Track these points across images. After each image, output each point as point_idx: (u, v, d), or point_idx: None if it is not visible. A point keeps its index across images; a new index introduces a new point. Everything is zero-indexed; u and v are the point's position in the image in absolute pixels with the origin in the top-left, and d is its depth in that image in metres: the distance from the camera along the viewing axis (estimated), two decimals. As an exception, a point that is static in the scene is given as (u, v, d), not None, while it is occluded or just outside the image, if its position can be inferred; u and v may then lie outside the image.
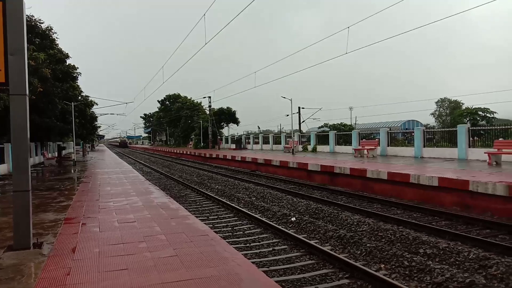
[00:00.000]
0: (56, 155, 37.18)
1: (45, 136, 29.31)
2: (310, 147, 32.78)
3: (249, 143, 46.47)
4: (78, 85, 28.98)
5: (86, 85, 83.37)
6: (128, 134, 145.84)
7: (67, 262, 5.00)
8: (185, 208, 9.99)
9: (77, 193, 11.93)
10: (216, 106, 55.14)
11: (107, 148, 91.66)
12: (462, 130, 18.53)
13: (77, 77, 27.95)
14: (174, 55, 22.72)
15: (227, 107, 56.72)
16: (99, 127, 53.92)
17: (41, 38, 22.87)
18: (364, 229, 8.98)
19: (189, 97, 74.12)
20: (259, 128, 69.94)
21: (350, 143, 27.77)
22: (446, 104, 74.42)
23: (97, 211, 8.78)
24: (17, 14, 5.48)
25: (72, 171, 21.90)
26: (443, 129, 23.95)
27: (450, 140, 20.87)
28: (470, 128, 19.08)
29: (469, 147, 18.42)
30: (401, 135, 27.80)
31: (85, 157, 39.37)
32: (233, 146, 48.64)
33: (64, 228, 7.02)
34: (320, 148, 31.51)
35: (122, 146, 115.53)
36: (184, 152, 48.48)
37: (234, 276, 4.33)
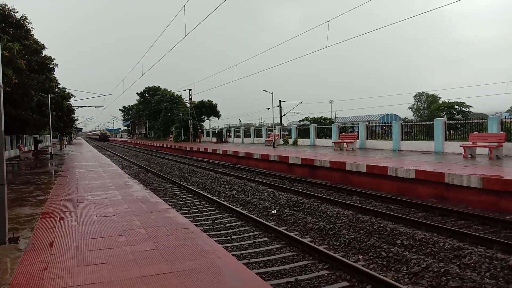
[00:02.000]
0: (33, 149, 36.32)
1: (21, 129, 28.58)
2: (291, 141, 32.95)
3: (230, 136, 46.39)
4: (54, 77, 28.26)
5: (63, 76, 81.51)
6: (106, 127, 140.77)
7: (44, 257, 4.92)
8: (166, 202, 9.93)
9: (54, 187, 11.72)
10: (197, 99, 54.77)
11: (85, 142, 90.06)
12: (439, 124, 18.92)
13: (54, 68, 27.23)
14: (154, 46, 22.40)
15: (208, 100, 56.39)
16: (77, 120, 52.95)
17: (16, 28, 22.16)
18: (343, 221, 9.12)
19: (169, 90, 73.34)
20: (240, 121, 69.89)
21: (330, 137, 28.02)
22: (424, 98, 75.70)
23: (75, 205, 8.65)
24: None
25: (49, 164, 21.47)
26: (420, 123, 24.40)
27: (427, 133, 21.28)
28: (446, 121, 19.50)
29: (446, 140, 18.85)
30: (379, 129, 28.19)
31: (62, 151, 38.62)
32: (214, 139, 48.47)
33: (41, 223, 6.90)
34: (301, 141, 31.70)
35: (102, 139, 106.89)
36: (164, 146, 48.06)
37: (214, 268, 4.35)
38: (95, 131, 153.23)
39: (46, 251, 5.19)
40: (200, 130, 53.06)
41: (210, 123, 62.98)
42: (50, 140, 33.28)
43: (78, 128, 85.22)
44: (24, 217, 7.44)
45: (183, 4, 14.85)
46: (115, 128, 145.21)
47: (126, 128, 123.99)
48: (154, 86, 79.61)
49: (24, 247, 5.35)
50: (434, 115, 38.22)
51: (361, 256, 6.87)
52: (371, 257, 6.74)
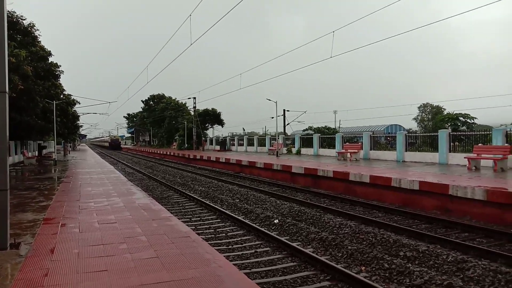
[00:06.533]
0: (37, 154, 36.51)
1: (26, 134, 28.73)
2: (294, 150, 32.90)
3: (233, 144, 46.40)
4: (60, 84, 28.49)
5: (69, 83, 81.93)
6: (111, 134, 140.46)
7: (45, 263, 4.90)
8: (168, 210, 9.91)
9: (57, 193, 11.73)
10: (201, 107, 55.06)
11: (89, 148, 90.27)
12: (443, 135, 18.85)
13: (59, 75, 27.47)
14: (159, 55, 22.55)
15: (212, 108, 56.56)
16: (81, 126, 53.15)
17: (23, 35, 22.42)
18: (346, 231, 9.06)
19: (173, 98, 73.69)
20: (244, 130, 69.85)
21: (333, 146, 27.98)
22: (428, 109, 75.59)
23: (77, 211, 8.64)
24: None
25: (53, 170, 21.52)
26: (424, 134, 24.33)
27: (432, 144, 21.20)
28: (451, 133, 19.44)
29: (450, 151, 18.75)
30: (383, 139, 28.14)
31: (66, 157, 38.72)
32: (218, 147, 48.48)
33: (43, 229, 6.89)
34: (304, 150, 31.66)
35: (113, 147, 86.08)
36: (168, 153, 48.11)
37: (215, 278, 4.32)
38: (100, 137, 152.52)
39: (47, 257, 5.17)
40: (203, 138, 53.15)
41: (214, 131, 63.16)
42: (54, 146, 33.39)
43: (83, 134, 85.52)
44: (26, 223, 7.43)
45: (189, 13, 14.96)
46: (119, 135, 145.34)
47: (130, 135, 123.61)
48: (159, 94, 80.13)
49: (25, 253, 5.34)
50: (439, 126, 38.02)
51: (364, 267, 6.80)
52: (374, 269, 6.68)
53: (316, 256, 7.09)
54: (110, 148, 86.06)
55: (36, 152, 38.56)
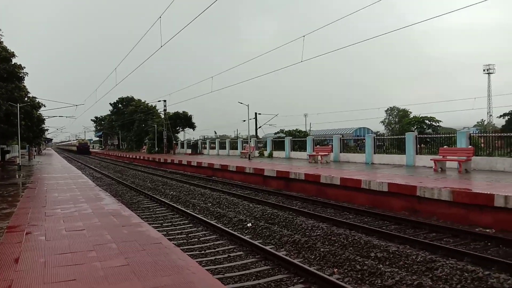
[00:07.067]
0: (-1, 159, 35.05)
1: (-13, 139, 27.57)
2: (266, 153, 33.01)
3: (205, 148, 46.10)
4: (24, 86, 27.50)
5: (33, 85, 78.88)
6: (78, 138, 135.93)
7: (8, 274, 4.69)
8: (138, 215, 9.72)
9: (21, 200, 11.29)
10: (171, 110, 54.33)
11: (55, 152, 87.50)
12: (410, 138, 19.37)
13: (24, 77, 26.52)
14: (128, 57, 22.16)
15: (183, 111, 55.97)
16: (47, 130, 51.46)
17: (-16, 35, 21.54)
18: (318, 233, 9.13)
19: (143, 101, 72.43)
20: (215, 133, 69.81)
21: (305, 149, 28.25)
22: (395, 113, 77.70)
23: (43, 218, 8.34)
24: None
25: (17, 176, 20.73)
26: (392, 137, 24.93)
27: (399, 147, 21.74)
28: (417, 136, 19.99)
29: (417, 154, 19.28)
30: (353, 142, 28.64)
31: (31, 161, 37.42)
32: (189, 151, 48.02)
33: (6, 237, 6.61)
34: (276, 153, 31.81)
35: (81, 151, 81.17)
36: (137, 157, 47.27)
37: (189, 284, 4.25)
38: (66, 141, 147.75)
39: (11, 267, 4.95)
40: (174, 142, 52.53)
41: (185, 135, 62.52)
42: (19, 151, 32.22)
43: (48, 138, 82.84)
44: (-12, 232, 7.11)
45: (159, 14, 14.78)
46: (87, 138, 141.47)
47: (98, 139, 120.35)
48: (127, 96, 78.54)
49: (-13, 264, 5.09)
50: (405, 129, 39.15)
51: (336, 269, 6.87)
52: (346, 270, 6.75)
53: (289, 259, 7.11)
54: (78, 152, 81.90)
55: (-1, 157, 37.02)
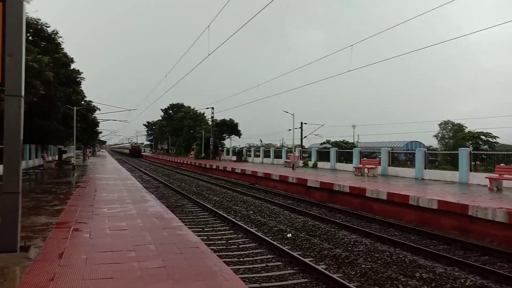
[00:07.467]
0: (57, 159, 37.13)
1: (46, 139, 29.29)
2: (311, 163, 32.64)
3: (250, 155, 46.35)
4: (81, 90, 29.08)
5: (89, 89, 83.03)
6: (131, 141, 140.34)
7: (52, 268, 4.87)
8: (181, 219, 9.86)
9: (72, 198, 11.82)
10: (219, 117, 55.25)
11: (109, 154, 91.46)
12: (464, 154, 18.38)
13: (81, 81, 28.05)
14: (178, 65, 22.82)
15: (230, 119, 56.78)
16: (101, 132, 53.98)
17: (47, 41, 23.00)
18: (361, 249, 8.82)
19: (192, 107, 74.32)
20: (261, 141, 69.78)
21: (351, 161, 27.60)
22: (449, 127, 74.31)
23: (90, 216, 8.65)
24: (17, 14, 5.46)
25: (71, 175, 21.82)
26: (444, 152, 23.81)
27: (452, 163, 20.70)
28: (472, 151, 18.94)
29: (471, 171, 18.24)
30: (403, 156, 27.65)
31: (85, 162, 39.30)
32: (234, 158, 48.49)
33: (55, 233, 6.90)
34: (321, 164, 31.36)
35: (134, 154, 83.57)
36: (185, 162, 48.37)
37: (221, 291, 4.20)
38: (120, 144, 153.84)
39: (55, 262, 5.14)
40: (220, 148, 53.28)
41: (231, 142, 63.22)
42: (74, 152, 33.94)
43: (102, 140, 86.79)
44: (38, 226, 7.47)
45: (207, 23, 15.08)
46: (139, 142, 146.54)
47: (149, 143, 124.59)
48: (178, 103, 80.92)
49: (34, 256, 5.32)
50: (459, 144, 37.27)
51: (377, 287, 6.57)
52: (388, 289, 6.44)
53: (328, 273, 6.89)
54: (130, 155, 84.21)
55: (56, 157, 39.24)
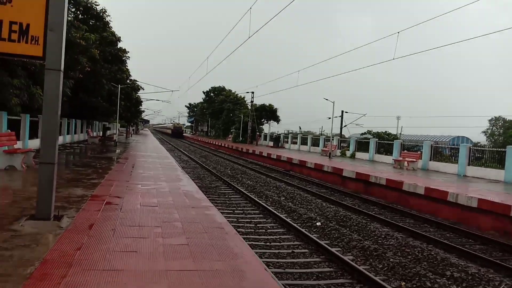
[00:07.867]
0: (100, 135, 38.57)
1: (91, 115, 30.39)
2: (348, 153, 32.07)
3: (287, 142, 46.16)
4: (127, 69, 29.79)
5: (133, 68, 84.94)
6: (174, 122, 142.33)
7: (81, 238, 5.05)
8: (213, 200, 9.98)
9: (110, 173, 12.22)
10: (258, 101, 55.20)
11: (151, 133, 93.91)
12: (512, 152, 17.39)
13: (126, 60, 28.72)
14: (220, 46, 22.89)
15: (269, 104, 56.61)
16: (143, 111, 55.38)
17: (96, 19, 23.67)
18: (391, 243, 8.59)
19: (233, 91, 74.73)
20: (300, 128, 69.25)
21: (391, 153, 26.86)
22: (500, 123, 70.55)
23: (124, 191, 8.91)
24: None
25: (112, 151, 22.58)
26: (491, 149, 22.59)
27: (500, 161, 19.64)
28: (522, 150, 17.86)
29: (519, 170, 17.26)
30: (447, 151, 26.53)
31: (127, 140, 40.56)
32: (271, 143, 48.48)
33: (88, 204, 7.15)
34: (359, 155, 30.75)
35: (175, 134, 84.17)
36: (223, 145, 48.92)
37: (238, 273, 4.19)
38: (162, 124, 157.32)
39: (85, 232, 5.32)
40: (258, 133, 53.38)
41: (270, 127, 63.11)
42: (117, 128, 35.06)
43: (145, 119, 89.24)
44: (74, 198, 7.76)
45: (250, 5, 14.93)
46: (180, 123, 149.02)
47: (189, 124, 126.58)
48: (219, 86, 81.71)
49: (66, 226, 5.54)
50: (509, 142, 35.33)
51: (403, 283, 6.37)
52: (414, 286, 6.23)
53: (354, 264, 6.76)
54: (172, 135, 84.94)
55: (101, 133, 40.74)
